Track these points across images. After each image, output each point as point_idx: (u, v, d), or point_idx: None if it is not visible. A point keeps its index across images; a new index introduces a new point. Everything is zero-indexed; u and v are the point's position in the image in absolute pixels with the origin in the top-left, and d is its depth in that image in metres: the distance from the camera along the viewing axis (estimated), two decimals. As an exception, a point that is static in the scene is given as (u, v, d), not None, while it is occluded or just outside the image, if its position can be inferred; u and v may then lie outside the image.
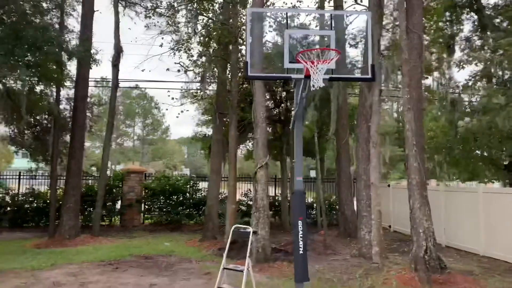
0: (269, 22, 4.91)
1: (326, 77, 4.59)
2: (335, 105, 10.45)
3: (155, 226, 14.94)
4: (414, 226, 7.16)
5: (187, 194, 15.29)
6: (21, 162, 40.55)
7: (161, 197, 15.18)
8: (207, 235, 11.56)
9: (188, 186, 15.35)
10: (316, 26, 4.80)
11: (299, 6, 11.64)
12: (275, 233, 13.33)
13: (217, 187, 12.24)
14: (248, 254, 5.38)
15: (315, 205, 15.36)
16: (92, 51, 11.64)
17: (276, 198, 16.22)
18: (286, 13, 4.82)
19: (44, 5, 9.95)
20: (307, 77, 4.49)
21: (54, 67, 10.63)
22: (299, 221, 4.94)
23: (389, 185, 15.34)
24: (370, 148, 8.78)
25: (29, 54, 8.81)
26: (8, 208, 14.36)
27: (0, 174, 17.23)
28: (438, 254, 7.33)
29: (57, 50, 8.84)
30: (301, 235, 4.93)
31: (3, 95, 12.44)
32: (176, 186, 15.09)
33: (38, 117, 14.84)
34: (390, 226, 14.81)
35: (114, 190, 14.90)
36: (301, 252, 4.92)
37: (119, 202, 15.18)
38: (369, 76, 4.74)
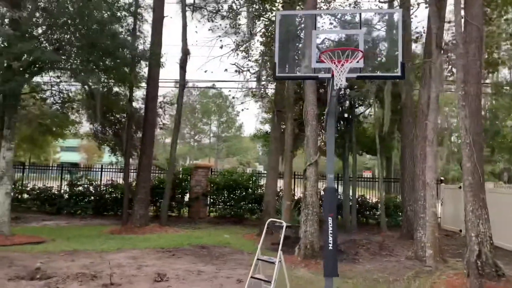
0: (299, 23, 5.03)
1: (353, 75, 4.63)
2: (388, 102, 10.13)
3: (219, 219, 15.67)
4: (467, 229, 6.79)
5: (249, 190, 15.77)
6: (66, 156, 44.57)
7: (225, 192, 15.87)
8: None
9: (250, 181, 15.83)
10: (349, 25, 4.81)
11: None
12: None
13: (274, 183, 12.54)
14: (280, 248, 5.59)
15: (379, 205, 14.95)
16: (162, 53, 12.60)
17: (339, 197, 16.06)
18: (315, 15, 4.92)
19: (118, 13, 10.95)
20: (333, 76, 4.58)
21: (126, 70, 11.70)
22: (329, 218, 5.03)
23: (460, 187, 14.40)
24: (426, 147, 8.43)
25: (103, 60, 9.83)
26: (92, 198, 16.09)
27: (87, 167, 19.28)
28: (495, 261, 6.87)
29: (126, 55, 9.72)
30: (331, 232, 5.02)
31: (87, 96, 14.02)
32: (239, 181, 15.67)
33: (118, 116, 16.36)
34: (460, 230, 13.92)
35: (182, 184, 15.91)
36: (330, 248, 5.00)
37: (187, 195, 16.17)
38: (399, 74, 4.65)
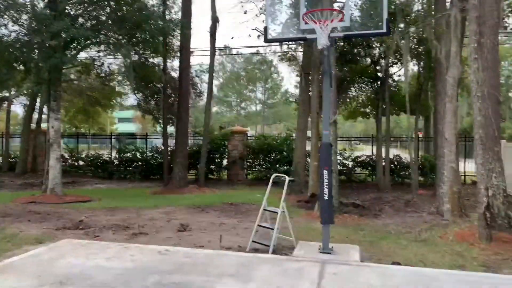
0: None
1: (340, 34, 4.81)
2: (406, 60, 9.92)
3: (256, 181, 16.37)
4: (477, 182, 6.85)
5: (284, 152, 16.21)
6: (123, 127, 46.68)
7: (260, 155, 16.47)
8: (294, 189, 12.42)
9: (284, 145, 16.25)
10: None
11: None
12: (368, 191, 13.53)
13: (303, 145, 12.88)
14: (282, 199, 6.07)
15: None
16: (192, 22, 13.07)
17: (372, 157, 16.13)
18: None
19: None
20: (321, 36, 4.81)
21: (158, 41, 12.32)
22: (325, 171, 5.39)
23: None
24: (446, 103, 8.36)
25: (133, 33, 10.48)
26: (139, 163, 17.40)
27: (134, 136, 20.64)
28: (508, 213, 6.90)
29: (153, 27, 10.28)
30: (326, 184, 5.39)
31: (126, 68, 14.94)
32: (273, 145, 16.16)
33: (158, 86, 17.24)
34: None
35: (220, 149, 16.70)
36: (326, 198, 5.40)
37: (226, 159, 16.98)
38: (384, 30, 4.75)
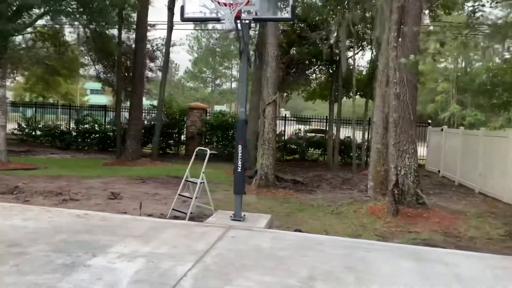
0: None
1: (249, 17, 5.14)
2: (344, 46, 10.35)
3: (213, 157, 16.71)
4: (388, 161, 7.43)
5: (242, 130, 16.58)
6: (96, 98, 46.25)
7: (218, 132, 16.80)
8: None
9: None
10: None
11: None
12: (317, 170, 14.13)
13: (255, 123, 13.25)
14: (203, 170, 6.47)
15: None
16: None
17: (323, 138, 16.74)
18: None
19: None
20: (236, 18, 5.13)
21: (112, 11, 12.29)
22: (240, 145, 5.80)
23: (442, 129, 14.69)
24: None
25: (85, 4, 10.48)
26: (97, 135, 17.45)
27: (92, 107, 20.58)
28: (417, 191, 7.54)
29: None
30: (240, 157, 5.80)
31: (88, 39, 14.85)
32: (230, 122, 16.51)
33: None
34: (439, 171, 14.43)
35: (179, 124, 16.93)
36: (239, 170, 5.82)
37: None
38: (289, 16, 5.10)
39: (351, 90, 17.36)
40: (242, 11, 5.04)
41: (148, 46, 17.17)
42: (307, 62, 16.06)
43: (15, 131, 18.36)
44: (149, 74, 18.07)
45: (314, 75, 17.39)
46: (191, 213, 6.19)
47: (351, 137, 16.74)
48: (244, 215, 6.02)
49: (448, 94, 34.54)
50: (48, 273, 3.56)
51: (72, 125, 18.10)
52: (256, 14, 5.15)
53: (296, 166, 15.30)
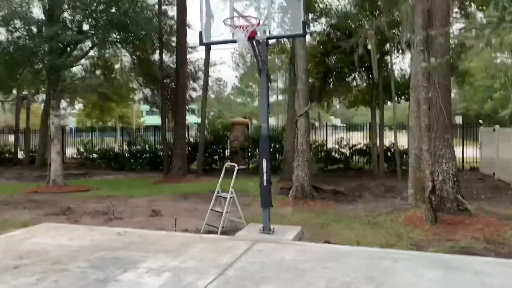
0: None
1: (263, 36, 5.31)
2: (374, 52, 10.17)
3: (256, 171, 16.97)
4: (423, 168, 7.20)
5: (283, 143, 16.70)
6: (150, 119, 48.08)
7: (260, 145, 17.03)
8: (284, 177, 12.98)
9: (282, 135, 16.74)
10: None
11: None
12: (362, 179, 13.87)
13: (292, 135, 13.33)
14: (232, 184, 6.67)
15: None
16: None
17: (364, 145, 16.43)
18: None
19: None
20: (250, 38, 5.35)
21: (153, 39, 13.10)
22: (264, 159, 5.95)
23: (494, 130, 13.87)
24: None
25: (123, 35, 11.29)
26: (147, 155, 18.39)
27: (141, 129, 21.72)
28: (457, 196, 7.22)
29: (140, 29, 11.02)
30: (265, 171, 5.94)
31: (134, 65, 15.85)
32: (273, 135, 16.68)
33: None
34: (494, 174, 13.60)
35: (223, 139, 17.41)
36: (265, 184, 5.96)
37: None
38: (301, 32, 5.20)
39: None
40: (256, 31, 5.24)
41: (191, 67, 17.93)
42: (346, 70, 15.94)
43: (75, 155, 19.82)
44: (193, 93, 18.83)
45: (354, 82, 17.15)
46: (222, 227, 6.40)
47: (395, 144, 16.32)
48: (273, 227, 6.13)
49: (508, 90, 32.32)
50: (81, 288, 3.91)
51: (125, 146, 19.21)
52: (269, 32, 5.33)
53: (339, 175, 15.10)
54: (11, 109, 26.79)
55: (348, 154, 16.62)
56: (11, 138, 22.23)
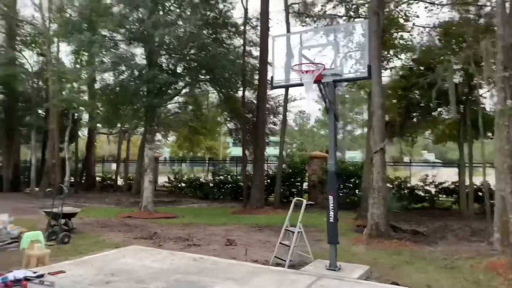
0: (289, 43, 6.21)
1: (329, 79, 5.61)
2: (452, 89, 9.76)
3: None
4: (508, 211, 6.72)
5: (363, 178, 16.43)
6: (236, 150, 49.49)
7: (339, 180, 16.93)
8: (362, 214, 12.73)
9: (362, 170, 16.48)
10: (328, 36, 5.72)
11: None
12: (448, 219, 13.08)
13: (370, 172, 13.14)
14: (300, 219, 6.88)
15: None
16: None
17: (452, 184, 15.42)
18: (300, 35, 6.03)
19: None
20: (316, 82, 5.73)
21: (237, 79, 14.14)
22: (331, 196, 6.14)
23: None
24: None
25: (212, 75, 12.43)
26: (229, 185, 19.32)
27: (224, 161, 22.87)
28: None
29: (226, 72, 12.08)
30: (332, 208, 6.11)
31: (221, 101, 17.10)
32: (350, 170, 16.55)
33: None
34: None
35: (301, 173, 17.68)
36: (331, 220, 6.11)
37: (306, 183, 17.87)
38: (366, 75, 5.37)
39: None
40: (323, 74, 5.60)
41: (271, 102, 18.76)
42: (430, 104, 15.39)
43: (166, 184, 21.55)
44: (274, 127, 19.54)
45: (440, 116, 16.43)
46: (290, 260, 6.62)
47: (489, 182, 15.08)
48: (340, 265, 6.20)
49: None
50: (157, 305, 4.43)
51: (210, 176, 20.43)
52: (335, 76, 5.64)
53: (424, 214, 14.35)
54: (115, 141, 30.09)
55: (433, 192, 15.75)
56: (114, 166, 24.96)
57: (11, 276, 4.92)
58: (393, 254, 7.93)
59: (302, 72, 5.43)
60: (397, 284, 5.72)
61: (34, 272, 5.23)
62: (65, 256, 6.85)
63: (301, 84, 5.83)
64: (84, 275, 5.50)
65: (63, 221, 8.68)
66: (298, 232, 6.77)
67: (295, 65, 5.53)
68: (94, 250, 7.45)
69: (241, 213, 14.24)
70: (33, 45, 21.13)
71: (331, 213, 6.11)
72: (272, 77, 6.10)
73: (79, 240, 8.40)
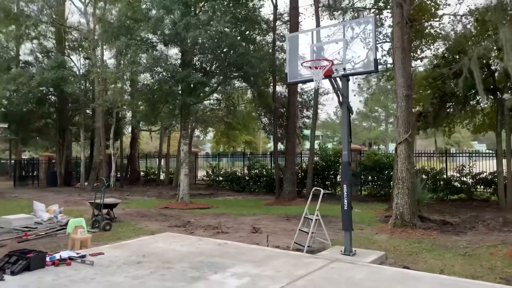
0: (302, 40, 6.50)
1: (339, 74, 5.88)
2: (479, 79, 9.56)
3: (369, 197, 16.92)
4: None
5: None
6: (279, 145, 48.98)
7: (372, 172, 16.97)
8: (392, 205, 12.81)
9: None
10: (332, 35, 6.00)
11: None
12: (487, 210, 12.88)
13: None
14: (317, 208, 7.22)
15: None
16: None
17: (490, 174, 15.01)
18: (312, 32, 6.32)
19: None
20: (327, 77, 6.05)
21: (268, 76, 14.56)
22: (344, 185, 6.44)
23: None
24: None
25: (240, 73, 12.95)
26: (264, 179, 19.83)
27: (259, 155, 23.38)
28: None
29: (254, 69, 12.54)
30: (346, 196, 6.41)
31: (254, 96, 17.62)
32: (384, 162, 16.51)
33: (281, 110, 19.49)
34: None
35: (335, 165, 17.85)
36: (345, 208, 6.41)
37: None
38: (373, 69, 5.58)
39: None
40: (333, 69, 5.91)
41: (304, 96, 19.02)
42: (467, 93, 15.04)
43: (204, 178, 22.42)
44: (307, 121, 19.79)
45: (478, 106, 15.98)
46: (308, 246, 7.00)
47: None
48: (355, 250, 6.50)
49: None
50: (179, 282, 4.99)
51: (245, 170, 21.05)
52: (344, 70, 5.93)
53: (460, 206, 14.15)
54: (158, 137, 31.52)
55: (470, 183, 15.42)
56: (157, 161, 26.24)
57: (57, 256, 5.72)
58: (414, 243, 8.07)
59: (312, 68, 5.77)
60: (408, 268, 5.95)
61: (77, 253, 6.01)
62: (105, 241, 7.62)
63: (311, 80, 6.17)
64: (120, 256, 6.20)
65: (105, 210, 9.56)
66: (316, 219, 7.12)
67: (305, 61, 5.88)
68: (132, 236, 8.20)
69: (273, 204, 14.70)
70: (80, 49, 22.67)
71: (345, 201, 6.42)
72: (286, 74, 6.48)
73: (119, 228, 9.23)
